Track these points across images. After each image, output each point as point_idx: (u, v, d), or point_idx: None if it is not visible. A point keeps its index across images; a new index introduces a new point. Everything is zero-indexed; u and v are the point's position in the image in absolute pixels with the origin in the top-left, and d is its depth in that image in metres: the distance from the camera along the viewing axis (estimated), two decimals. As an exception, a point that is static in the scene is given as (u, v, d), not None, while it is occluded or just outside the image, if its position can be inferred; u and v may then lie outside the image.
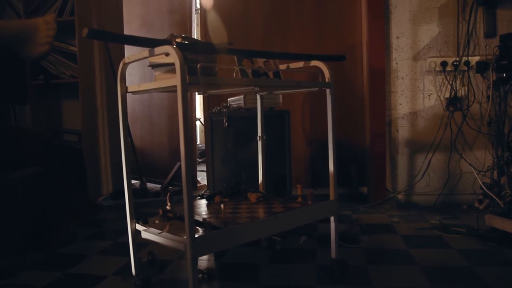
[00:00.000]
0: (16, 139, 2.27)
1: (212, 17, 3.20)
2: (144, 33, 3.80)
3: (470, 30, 2.72)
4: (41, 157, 2.36)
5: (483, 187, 2.43)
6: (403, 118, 2.84)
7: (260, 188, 1.96)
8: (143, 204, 2.96)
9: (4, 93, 1.63)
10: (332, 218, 1.69)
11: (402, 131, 2.85)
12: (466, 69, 2.71)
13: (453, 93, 2.74)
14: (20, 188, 1.99)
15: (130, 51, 3.24)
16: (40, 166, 2.25)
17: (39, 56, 1.55)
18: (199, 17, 3.57)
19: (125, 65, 1.46)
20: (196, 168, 3.83)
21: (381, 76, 2.83)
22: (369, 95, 2.88)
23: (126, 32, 3.54)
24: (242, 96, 2.41)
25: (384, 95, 2.84)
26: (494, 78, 2.59)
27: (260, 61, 1.65)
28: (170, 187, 3.46)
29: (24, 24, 1.58)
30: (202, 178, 3.93)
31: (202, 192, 3.16)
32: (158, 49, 1.27)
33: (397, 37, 2.82)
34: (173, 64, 1.21)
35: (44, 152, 2.40)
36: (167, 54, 1.25)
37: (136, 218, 1.52)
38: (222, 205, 1.57)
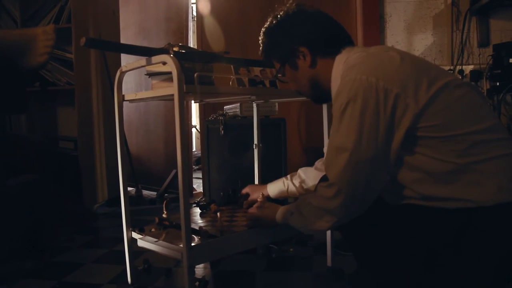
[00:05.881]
0: (12, 146, 2.26)
1: (209, 25, 3.22)
2: (140, 40, 3.80)
3: (464, 40, 2.75)
4: (37, 164, 2.35)
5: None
6: (398, 126, 2.86)
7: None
8: (138, 211, 2.95)
9: (3, 103, 1.64)
10: (328, 226, 1.70)
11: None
12: (460, 78, 2.74)
13: (447, 102, 2.76)
14: (15, 195, 1.98)
15: (126, 58, 3.24)
16: (36, 173, 2.24)
17: (38, 66, 1.57)
18: (195, 25, 3.59)
19: (122, 73, 1.46)
20: (192, 175, 3.82)
21: (376, 85, 2.84)
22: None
23: (123, 39, 3.54)
24: (238, 104, 2.41)
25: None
26: (488, 86, 2.61)
27: (256, 70, 1.66)
28: (166, 195, 3.45)
29: (23, 34, 1.59)
30: (198, 185, 3.93)
31: (198, 199, 3.16)
32: (155, 58, 1.28)
33: (392, 46, 2.85)
34: (170, 73, 1.21)
35: (39, 159, 2.40)
36: (164, 63, 1.26)
37: (132, 226, 1.51)
38: (218, 213, 1.57)
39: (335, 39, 1.23)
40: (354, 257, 1.28)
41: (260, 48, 1.34)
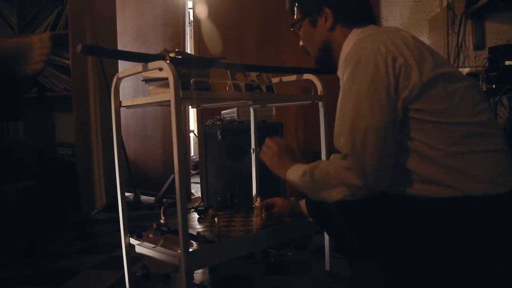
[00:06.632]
0: (10, 153, 2.26)
1: (206, 30, 3.22)
2: (138, 45, 3.81)
3: (459, 43, 2.77)
4: (34, 171, 2.35)
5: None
6: (395, 129, 2.87)
7: (254, 201, 1.95)
8: (137, 217, 2.95)
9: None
10: (326, 230, 1.70)
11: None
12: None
13: (444, 104, 2.77)
14: (13, 201, 1.98)
15: (124, 64, 3.25)
16: (33, 179, 2.24)
17: (34, 73, 1.56)
18: (192, 30, 3.60)
19: (119, 79, 1.46)
20: (190, 180, 3.82)
21: (373, 88, 2.85)
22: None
23: (120, 44, 3.55)
24: (235, 109, 2.42)
25: (376, 106, 2.86)
26: (484, 89, 2.63)
27: (253, 75, 1.67)
28: (164, 200, 3.45)
29: (19, 42, 1.59)
30: (196, 190, 3.92)
31: (196, 204, 3.15)
32: (152, 64, 1.29)
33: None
34: (166, 78, 1.22)
35: (37, 166, 2.40)
36: (160, 69, 1.26)
37: (130, 232, 1.51)
38: (216, 219, 1.57)
39: (361, 13, 1.24)
40: (346, 259, 1.29)
41: None
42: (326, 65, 1.30)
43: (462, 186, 0.99)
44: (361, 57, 1.03)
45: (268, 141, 1.40)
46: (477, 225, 0.99)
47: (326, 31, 1.24)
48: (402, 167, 1.05)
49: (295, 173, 1.22)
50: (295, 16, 1.34)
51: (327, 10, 1.22)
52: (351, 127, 1.02)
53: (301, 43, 1.35)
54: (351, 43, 1.18)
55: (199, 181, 3.80)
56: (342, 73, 1.10)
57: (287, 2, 1.36)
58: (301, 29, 1.31)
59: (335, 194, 1.07)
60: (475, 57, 2.75)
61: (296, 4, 1.32)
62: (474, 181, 0.99)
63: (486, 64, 2.53)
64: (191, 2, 3.80)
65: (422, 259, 1.05)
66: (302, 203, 1.51)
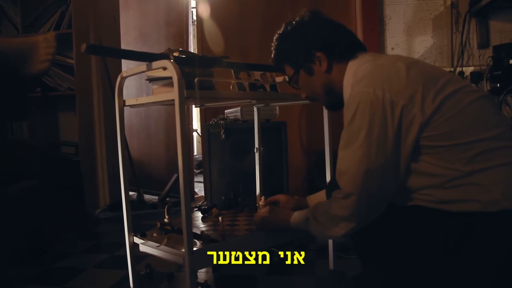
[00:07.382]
0: (13, 152, 2.27)
1: (209, 29, 3.22)
2: (141, 45, 3.81)
3: (464, 41, 2.76)
4: (38, 170, 2.35)
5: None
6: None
7: (258, 200, 1.95)
8: (140, 216, 2.95)
9: (5, 110, 1.64)
10: (329, 229, 1.70)
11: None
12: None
13: (448, 103, 2.76)
14: (16, 200, 1.98)
15: (127, 63, 3.26)
16: (37, 178, 2.24)
17: (39, 73, 1.56)
18: (195, 29, 3.60)
19: (123, 79, 1.47)
20: (193, 179, 3.82)
21: (376, 87, 2.85)
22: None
23: (123, 44, 3.55)
24: (239, 108, 2.42)
25: (380, 105, 2.85)
26: (489, 88, 2.61)
27: (257, 74, 1.67)
28: (167, 199, 3.46)
29: (24, 41, 1.59)
30: (199, 189, 3.93)
31: (199, 203, 3.16)
32: (155, 64, 1.28)
33: (392, 48, 2.85)
34: (170, 78, 1.22)
35: (41, 165, 2.40)
36: (164, 69, 1.26)
37: (134, 231, 1.52)
38: (220, 218, 1.57)
39: (351, 44, 1.24)
40: (359, 259, 1.29)
41: (273, 53, 1.34)
42: (338, 103, 1.29)
43: (481, 197, 0.97)
44: (359, 104, 1.04)
45: (256, 215, 1.48)
46: (491, 241, 0.97)
47: (324, 74, 1.24)
48: (416, 192, 1.06)
49: (298, 221, 1.30)
50: (286, 72, 1.34)
51: (318, 54, 1.22)
52: (352, 169, 1.06)
53: (303, 94, 1.37)
54: (351, 76, 1.19)
55: (202, 180, 3.82)
56: (344, 116, 1.11)
57: (273, 62, 1.36)
58: (299, 82, 1.31)
59: (339, 230, 1.13)
60: (479, 56, 2.74)
61: (285, 62, 1.32)
62: (491, 197, 0.96)
63: (490, 63, 2.52)
64: (194, 2, 3.80)
65: (431, 271, 1.04)
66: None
